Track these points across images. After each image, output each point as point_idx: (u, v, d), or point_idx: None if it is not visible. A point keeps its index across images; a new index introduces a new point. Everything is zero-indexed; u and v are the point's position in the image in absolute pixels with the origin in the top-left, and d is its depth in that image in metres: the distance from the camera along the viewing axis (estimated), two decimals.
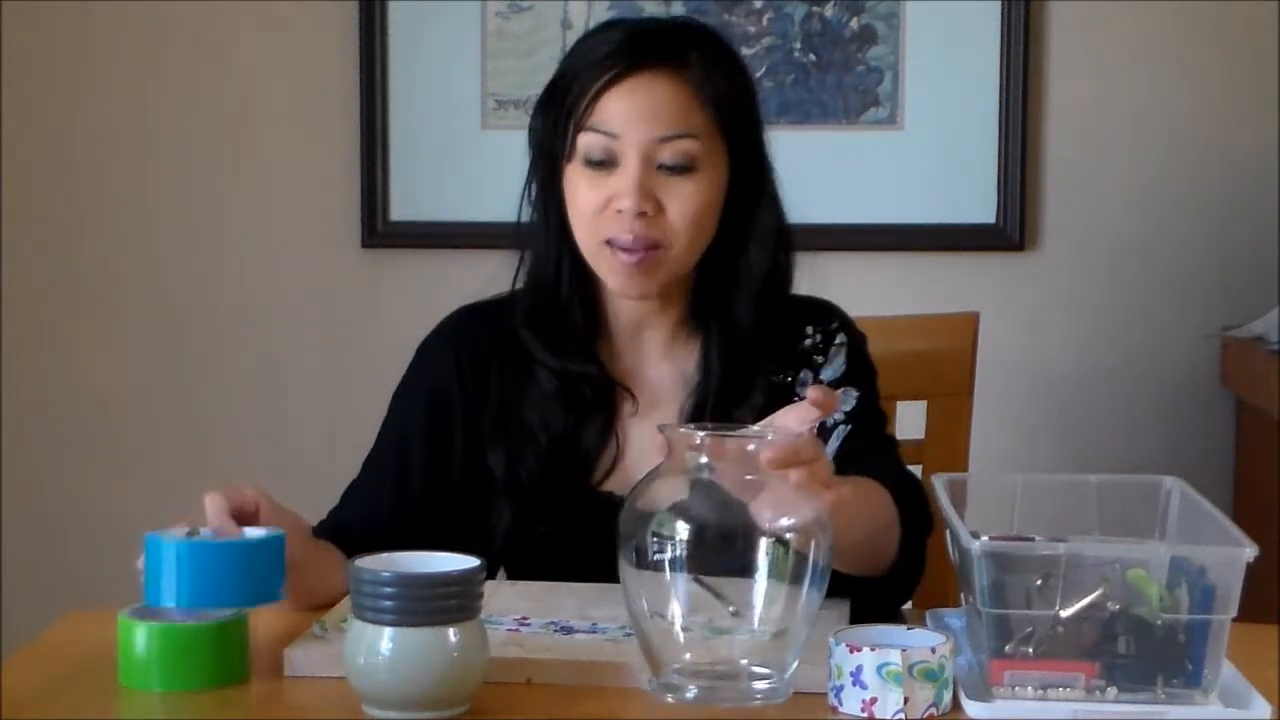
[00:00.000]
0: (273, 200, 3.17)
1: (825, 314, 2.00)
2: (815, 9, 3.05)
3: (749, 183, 1.93)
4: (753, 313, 1.94)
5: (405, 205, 3.12)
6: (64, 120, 3.17)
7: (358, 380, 3.12)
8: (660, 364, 1.97)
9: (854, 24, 3.05)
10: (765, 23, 3.04)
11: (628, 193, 1.85)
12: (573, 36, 3.02)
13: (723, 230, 1.92)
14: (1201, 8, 3.03)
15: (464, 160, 3.10)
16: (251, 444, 3.18)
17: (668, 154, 1.86)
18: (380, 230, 3.13)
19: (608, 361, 1.96)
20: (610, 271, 1.89)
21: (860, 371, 1.98)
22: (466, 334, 2.00)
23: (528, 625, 1.72)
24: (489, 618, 1.71)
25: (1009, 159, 3.03)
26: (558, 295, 1.95)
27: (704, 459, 1.53)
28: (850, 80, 3.06)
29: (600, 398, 1.95)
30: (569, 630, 1.69)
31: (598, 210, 1.87)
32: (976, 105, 3.04)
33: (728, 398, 1.92)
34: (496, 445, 1.94)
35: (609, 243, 1.87)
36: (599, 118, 1.86)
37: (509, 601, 1.79)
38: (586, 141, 1.87)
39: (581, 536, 1.82)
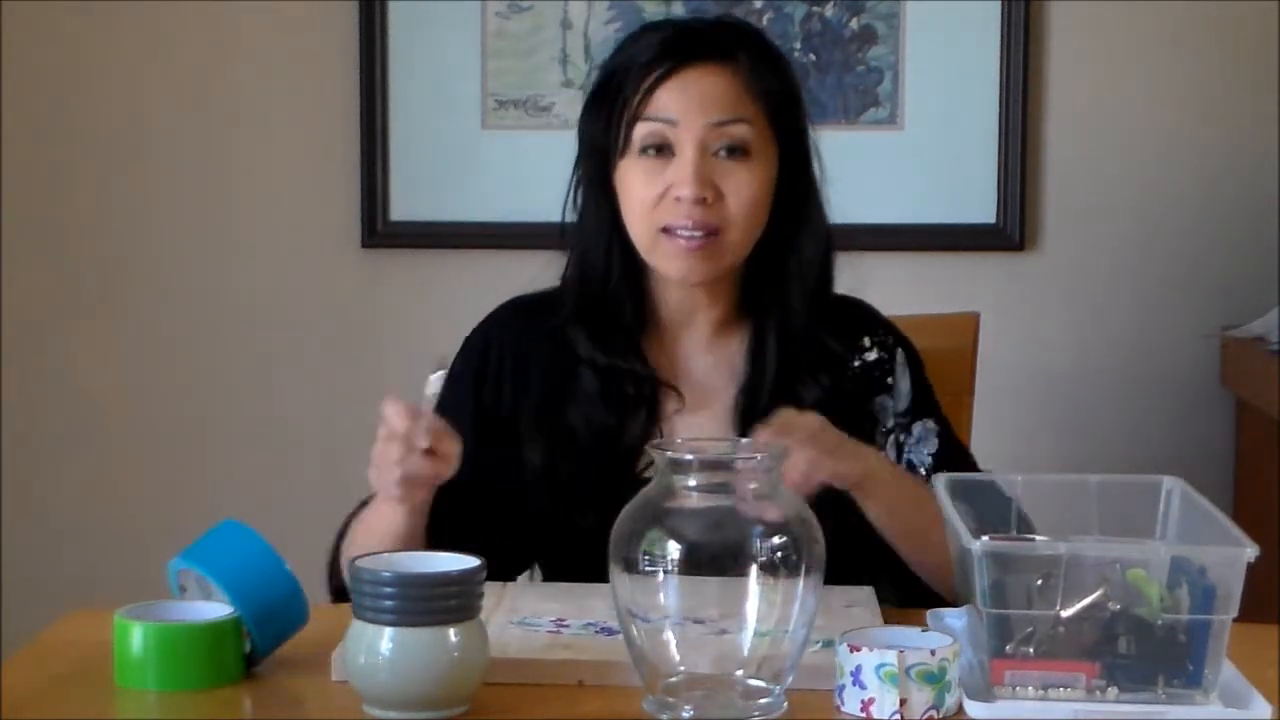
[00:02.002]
0: (273, 200, 3.17)
1: (873, 321, 2.05)
2: (815, 9, 3.05)
3: (798, 178, 1.96)
4: (806, 308, 1.97)
5: (405, 205, 3.12)
6: (64, 120, 3.17)
7: (357, 380, 3.12)
8: (705, 357, 2.00)
9: (854, 24, 3.05)
10: (765, 23, 3.04)
11: (687, 180, 1.89)
12: (573, 36, 3.03)
13: (771, 225, 1.95)
14: (1201, 8, 3.03)
15: (464, 160, 3.10)
16: (251, 444, 3.18)
17: (724, 139, 1.90)
18: (380, 230, 3.12)
19: (653, 357, 1.99)
20: (668, 258, 1.92)
21: (925, 393, 2.03)
22: (512, 328, 2.03)
23: (567, 627, 1.71)
24: (524, 619, 1.71)
25: (1009, 159, 3.03)
26: (606, 290, 1.97)
27: (693, 481, 1.53)
28: (850, 80, 3.06)
29: (644, 395, 1.97)
30: (610, 631, 1.67)
31: (655, 201, 1.90)
32: (976, 105, 3.04)
33: (786, 387, 1.95)
34: (535, 442, 1.95)
35: (666, 230, 1.90)
36: (654, 108, 1.90)
37: (538, 603, 1.79)
38: (643, 132, 1.91)
39: None
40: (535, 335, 2.00)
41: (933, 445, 1.99)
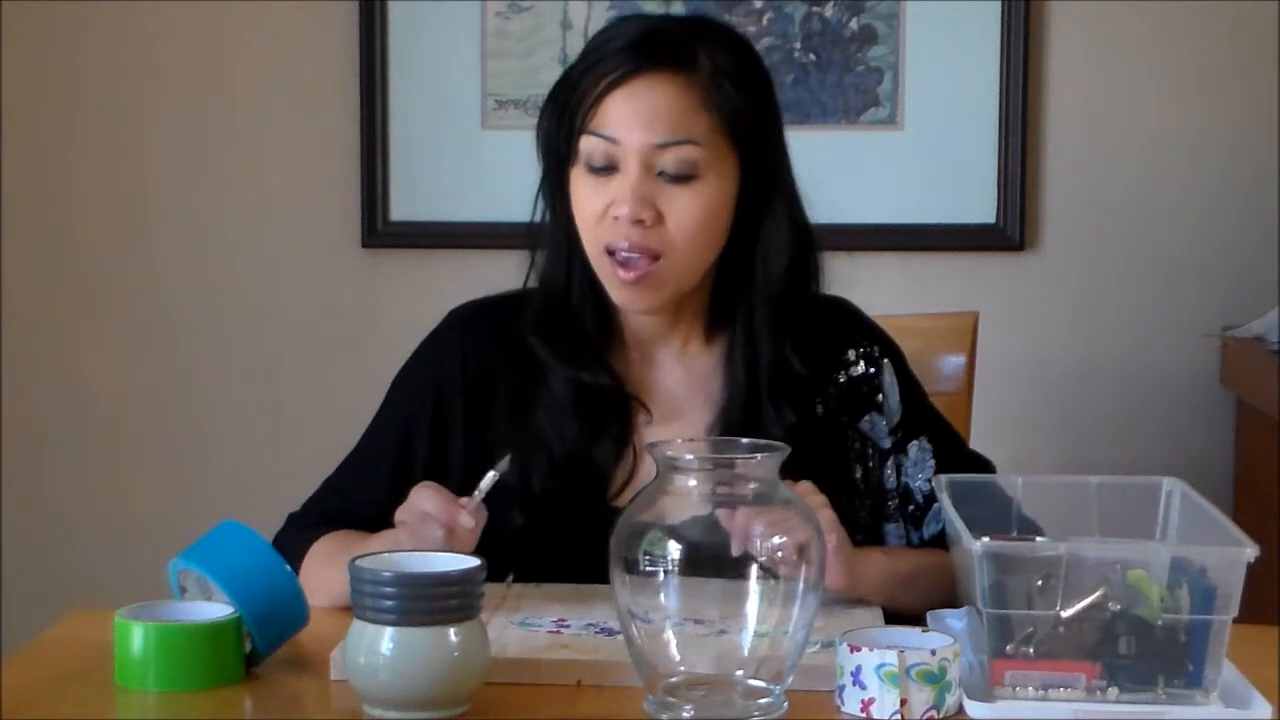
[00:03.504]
0: (273, 200, 3.17)
1: (855, 328, 1.98)
2: (815, 9, 3.05)
3: (763, 188, 1.89)
4: (770, 318, 1.90)
5: (405, 205, 3.12)
6: (64, 120, 3.17)
7: (357, 380, 3.11)
8: (675, 372, 1.94)
9: (854, 24, 3.05)
10: (765, 23, 3.04)
11: (624, 200, 1.81)
12: (573, 36, 3.04)
13: (737, 236, 1.88)
14: (1201, 8, 3.03)
15: (464, 160, 3.10)
16: (251, 444, 3.18)
17: (668, 161, 1.82)
18: (380, 230, 3.12)
19: (621, 370, 1.93)
20: (610, 284, 1.86)
21: (916, 404, 1.97)
22: (476, 331, 1.96)
23: (568, 627, 1.71)
24: (525, 619, 1.71)
25: (1009, 159, 3.03)
26: (569, 300, 1.91)
27: (693, 481, 1.53)
28: (850, 80, 3.06)
29: (614, 409, 1.91)
30: (610, 631, 1.67)
31: (599, 216, 1.84)
32: (976, 105, 3.04)
33: (757, 408, 1.89)
34: (508, 453, 1.83)
35: (609, 251, 1.84)
36: (599, 121, 1.83)
37: (539, 603, 1.78)
38: (588, 146, 1.84)
39: (595, 553, 1.67)
40: (500, 339, 1.93)
41: (928, 469, 1.93)
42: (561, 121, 1.86)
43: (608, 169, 1.84)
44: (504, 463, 1.77)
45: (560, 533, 1.88)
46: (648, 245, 1.83)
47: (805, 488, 1.70)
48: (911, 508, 1.94)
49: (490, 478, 1.77)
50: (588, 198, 1.85)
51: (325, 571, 1.82)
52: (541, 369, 1.92)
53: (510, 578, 1.85)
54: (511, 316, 1.94)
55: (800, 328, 1.93)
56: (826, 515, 1.70)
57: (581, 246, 1.88)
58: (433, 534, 1.71)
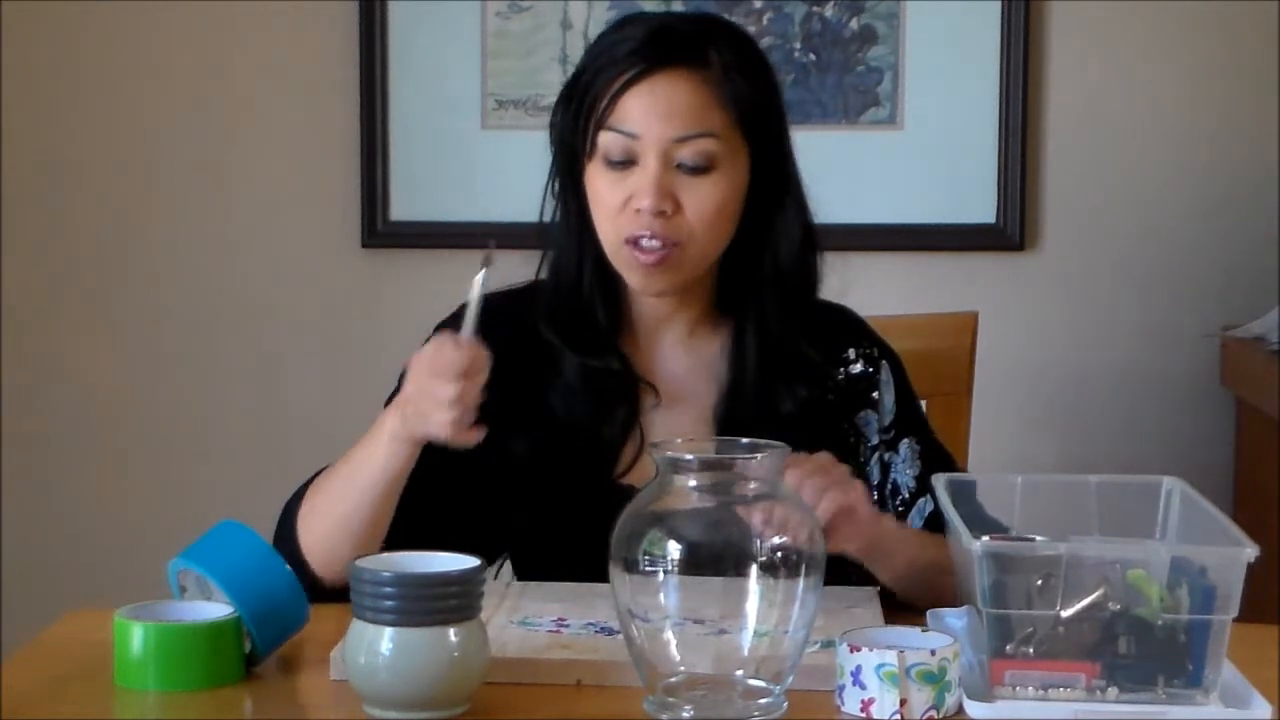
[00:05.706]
0: (273, 200, 3.17)
1: (857, 331, 2.03)
2: (815, 9, 3.05)
3: (772, 181, 1.94)
4: (782, 310, 1.95)
5: (405, 205, 3.12)
6: (64, 120, 3.17)
7: (357, 380, 3.11)
8: (682, 357, 1.98)
9: (854, 24, 3.05)
10: (765, 23, 3.04)
11: (646, 192, 1.86)
12: (573, 36, 3.03)
13: (746, 228, 1.93)
14: (1202, 8, 3.03)
15: (464, 160, 3.10)
16: (251, 444, 3.18)
17: (686, 154, 1.87)
18: (380, 230, 3.13)
19: (629, 355, 1.97)
20: (629, 269, 1.90)
21: (909, 407, 2.01)
22: (489, 319, 1.95)
23: (567, 626, 1.71)
24: (524, 619, 1.71)
25: (1009, 159, 3.03)
26: (579, 291, 1.96)
27: (694, 482, 1.53)
28: (850, 80, 3.06)
29: (622, 392, 1.95)
30: (610, 631, 1.67)
31: (618, 209, 1.88)
32: (976, 105, 3.04)
33: (767, 394, 1.93)
34: (519, 432, 1.92)
35: (629, 241, 1.88)
36: (618, 117, 1.87)
37: (540, 603, 1.78)
38: (606, 141, 1.88)
39: (601, 530, 1.68)
40: (509, 328, 1.94)
41: (917, 467, 1.97)
42: (578, 118, 1.90)
43: (626, 163, 1.88)
44: (489, 255, 1.77)
45: (569, 510, 1.91)
46: (668, 234, 1.87)
47: (825, 458, 1.73)
48: (898, 502, 1.97)
49: (479, 281, 1.76)
50: (606, 191, 1.89)
51: (314, 502, 1.85)
52: (552, 355, 1.96)
53: (504, 559, 1.87)
54: (522, 306, 1.98)
55: (806, 326, 1.97)
56: (856, 484, 1.74)
57: (594, 238, 1.93)
58: (441, 395, 1.73)
